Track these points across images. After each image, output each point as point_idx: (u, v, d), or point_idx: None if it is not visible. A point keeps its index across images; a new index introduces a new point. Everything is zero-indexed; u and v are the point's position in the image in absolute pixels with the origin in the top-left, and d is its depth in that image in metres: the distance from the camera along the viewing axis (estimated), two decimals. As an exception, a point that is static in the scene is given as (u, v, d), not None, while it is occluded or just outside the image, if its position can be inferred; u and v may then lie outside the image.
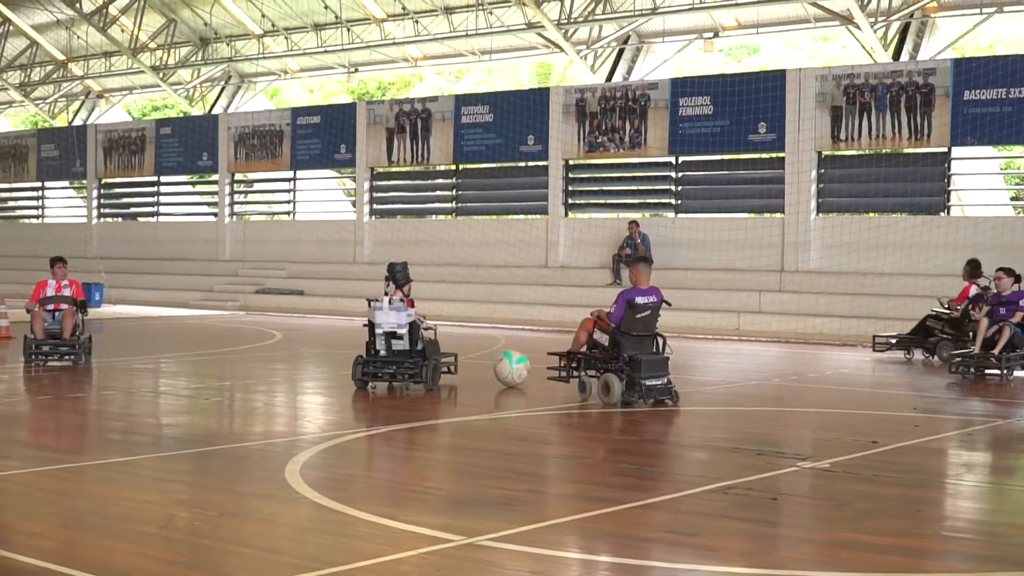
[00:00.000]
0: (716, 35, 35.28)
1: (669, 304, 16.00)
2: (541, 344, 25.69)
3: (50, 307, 20.00)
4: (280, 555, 8.00)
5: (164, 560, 7.84)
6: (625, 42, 36.07)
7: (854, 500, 9.81)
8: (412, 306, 17.34)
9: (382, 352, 17.12)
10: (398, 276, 17.48)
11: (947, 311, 22.08)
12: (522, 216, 35.50)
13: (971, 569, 7.96)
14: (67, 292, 20.10)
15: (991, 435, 13.61)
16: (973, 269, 22.11)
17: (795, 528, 9.13)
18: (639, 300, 15.65)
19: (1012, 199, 34.19)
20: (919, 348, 22.29)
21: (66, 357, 19.50)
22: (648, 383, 15.28)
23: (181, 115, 47.12)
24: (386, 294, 17.25)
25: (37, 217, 50.01)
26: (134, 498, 9.66)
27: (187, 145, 42.80)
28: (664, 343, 15.79)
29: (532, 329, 29.69)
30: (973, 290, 21.44)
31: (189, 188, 46.21)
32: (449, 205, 37.29)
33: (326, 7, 39.84)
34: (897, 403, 16.22)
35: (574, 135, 33.67)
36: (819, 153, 30.01)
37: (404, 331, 17.05)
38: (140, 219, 46.24)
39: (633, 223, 31.62)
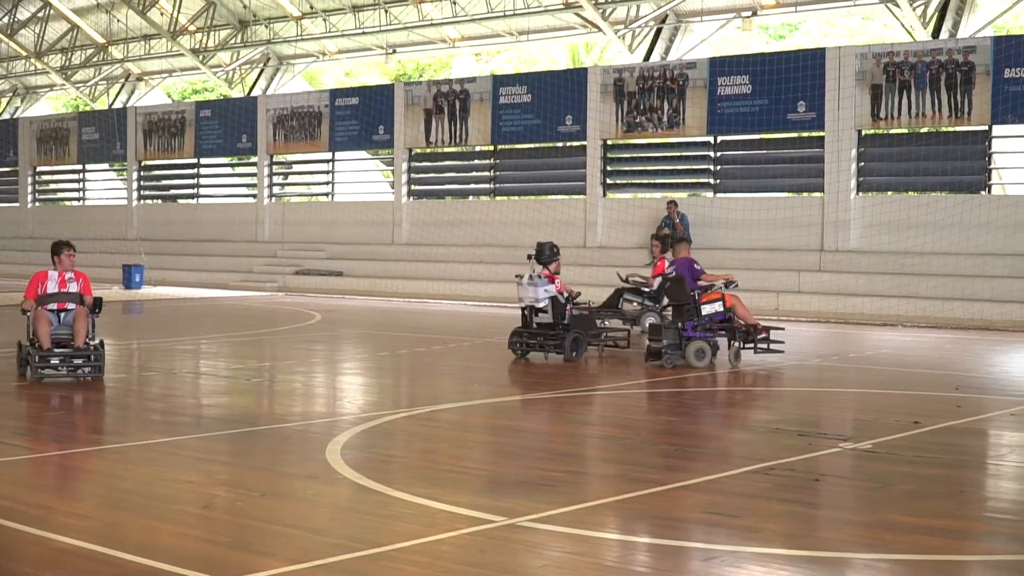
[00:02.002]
0: (755, 14, 35.08)
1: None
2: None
3: (53, 307, 15.92)
4: (321, 535, 8.02)
5: (206, 540, 7.89)
6: (663, 21, 35.92)
7: (897, 481, 9.77)
8: (554, 282, 18.69)
9: (532, 324, 18.77)
10: (543, 255, 18.84)
11: (638, 285, 22.47)
12: (560, 196, 35.41)
13: (1015, 551, 7.92)
14: (73, 288, 16.09)
15: (1034, 415, 13.53)
16: (663, 244, 21.97)
17: (837, 509, 9.10)
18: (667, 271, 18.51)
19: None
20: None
21: (81, 371, 15.57)
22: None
23: (220, 97, 47.19)
24: (531, 272, 18.74)
25: (78, 200, 50.23)
26: (176, 479, 9.71)
27: (226, 127, 42.88)
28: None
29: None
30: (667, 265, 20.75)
31: (228, 170, 46.29)
32: (487, 186, 37.23)
33: (364, -12, 39.87)
34: (939, 383, 16.13)
35: (612, 115, 33.57)
36: (859, 132, 29.82)
37: (542, 305, 18.61)
38: (180, 201, 46.38)
39: (672, 203, 31.51)
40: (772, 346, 18.25)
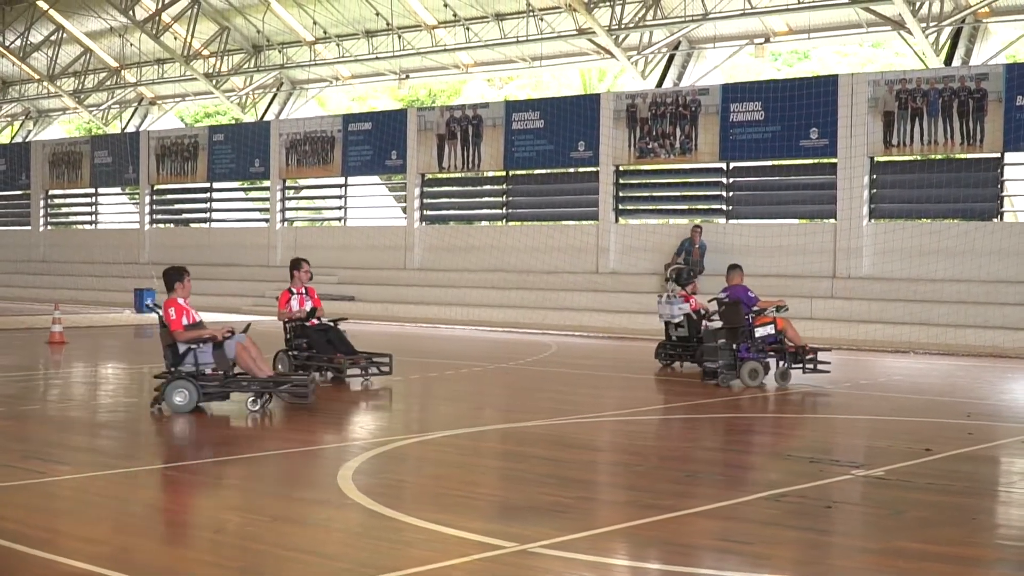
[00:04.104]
0: (767, 40, 35.17)
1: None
2: (591, 351, 25.71)
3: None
4: (332, 560, 8.03)
5: (217, 565, 7.89)
6: (676, 48, 36.02)
7: (908, 508, 9.76)
8: (688, 301, 21.49)
9: (673, 338, 21.68)
10: (681, 277, 21.93)
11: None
12: (573, 222, 35.44)
13: (1027, 578, 7.92)
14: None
15: (1046, 443, 13.50)
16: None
17: (849, 536, 9.09)
18: (719, 296, 19.56)
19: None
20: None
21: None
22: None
23: (233, 122, 47.34)
24: (668, 292, 21.89)
25: (91, 223, 50.31)
26: (188, 503, 9.71)
27: (239, 151, 42.98)
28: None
29: (583, 335, 29.67)
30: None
31: (241, 194, 46.38)
32: (500, 211, 37.27)
33: (377, 14, 39.99)
34: (951, 410, 16.11)
35: (625, 141, 33.61)
36: (871, 159, 29.82)
37: (676, 320, 21.43)
38: (192, 225, 46.46)
39: (697, 227, 31.56)
40: (820, 367, 19.13)
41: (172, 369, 15.22)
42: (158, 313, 15.74)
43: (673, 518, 9.25)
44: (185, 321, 15.51)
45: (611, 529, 8.94)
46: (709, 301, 20.34)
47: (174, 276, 16.10)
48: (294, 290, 19.05)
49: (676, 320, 21.40)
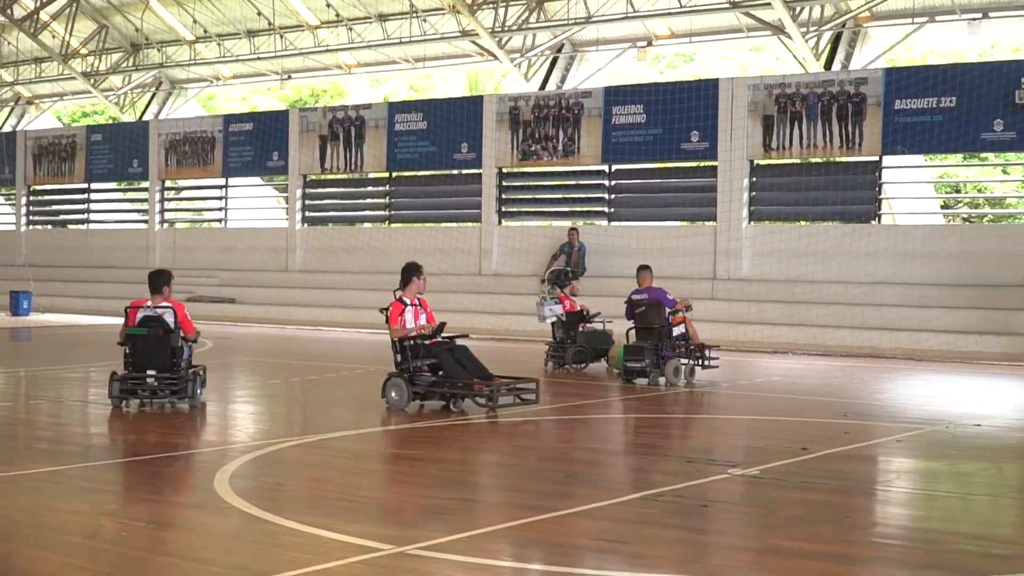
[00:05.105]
0: (649, 44, 35.38)
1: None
2: (474, 352, 25.68)
3: None
4: (208, 565, 7.94)
5: (92, 571, 7.79)
6: (559, 50, 36.13)
7: (784, 507, 9.86)
8: (564, 302, 22.00)
9: (558, 339, 21.97)
10: (559, 279, 22.89)
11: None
12: (455, 224, 35.44)
13: (901, 575, 8.01)
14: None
15: (920, 442, 13.68)
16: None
17: (725, 535, 9.16)
18: (635, 297, 19.93)
19: (942, 207, 34.51)
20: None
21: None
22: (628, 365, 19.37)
23: (111, 121, 46.77)
24: (544, 294, 22.85)
25: (-35, 224, 49.48)
26: (63, 508, 9.56)
27: (118, 152, 42.47)
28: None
29: (466, 338, 29.60)
30: None
31: (120, 195, 45.82)
32: (382, 213, 37.16)
33: (259, 13, 39.70)
34: (828, 410, 16.30)
35: (507, 143, 33.67)
36: (751, 162, 30.13)
37: (550, 321, 21.98)
38: (70, 226, 45.80)
39: (574, 230, 31.69)
40: (710, 362, 19.99)
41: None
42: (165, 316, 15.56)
43: (552, 518, 9.26)
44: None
45: (490, 530, 8.93)
46: (625, 302, 20.43)
47: (411, 271, 16.69)
48: (408, 301, 16.23)
49: (549, 321, 21.88)
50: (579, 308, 22.09)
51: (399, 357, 15.86)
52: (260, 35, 40.68)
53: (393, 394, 15.52)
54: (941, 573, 7.94)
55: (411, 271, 16.61)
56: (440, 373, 15.79)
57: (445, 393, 15.54)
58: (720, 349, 21.39)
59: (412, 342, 15.81)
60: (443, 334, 16.10)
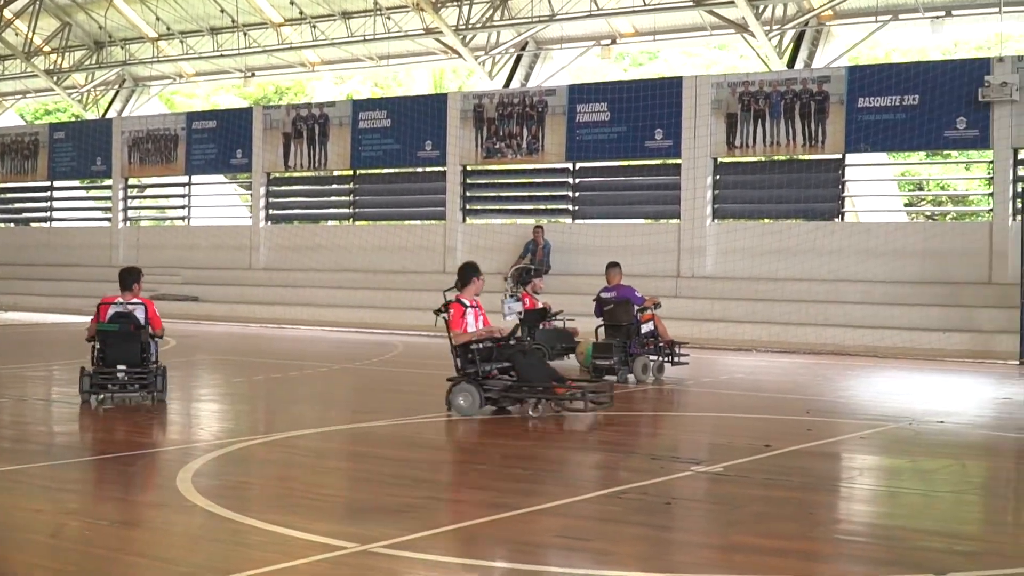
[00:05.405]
0: (614, 42, 35.46)
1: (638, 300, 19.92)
2: (438, 350, 25.70)
3: None
4: (171, 564, 7.92)
5: (55, 570, 7.75)
6: (523, 48, 36.16)
7: (747, 504, 9.88)
8: (525, 299, 21.39)
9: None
10: (521, 277, 23.02)
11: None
12: (420, 222, 35.41)
13: (864, 572, 8.04)
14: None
15: (883, 439, 13.74)
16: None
17: (689, 532, 9.17)
18: (603, 295, 20.14)
19: (905, 205, 34.64)
20: None
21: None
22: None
23: (75, 119, 46.53)
24: (507, 292, 22.85)
25: (-74, 222, 49.15)
26: (26, 507, 9.52)
27: (81, 150, 42.27)
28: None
29: (430, 335, 29.62)
30: None
31: (83, 193, 45.61)
32: (347, 211, 37.09)
33: (222, 11, 39.59)
34: (791, 407, 16.35)
35: (472, 141, 33.65)
36: (715, 160, 30.20)
37: (510, 319, 20.52)
38: (33, 224, 45.54)
39: (539, 228, 31.70)
40: (681, 359, 20.24)
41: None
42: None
43: (515, 516, 9.25)
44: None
45: (454, 528, 8.93)
46: (593, 300, 20.56)
47: (472, 272, 16.27)
48: (467, 302, 15.78)
49: (509, 319, 20.96)
50: (541, 306, 21.91)
51: (460, 361, 15.31)
52: (223, 32, 40.57)
53: (462, 401, 14.83)
54: (904, 570, 7.96)
55: (471, 271, 16.17)
56: (512, 376, 15.20)
57: (523, 397, 14.96)
58: (688, 346, 21.39)
59: (481, 345, 15.28)
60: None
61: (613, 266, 20.66)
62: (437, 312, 15.64)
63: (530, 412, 14.83)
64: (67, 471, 11.33)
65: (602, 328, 20.13)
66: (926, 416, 15.32)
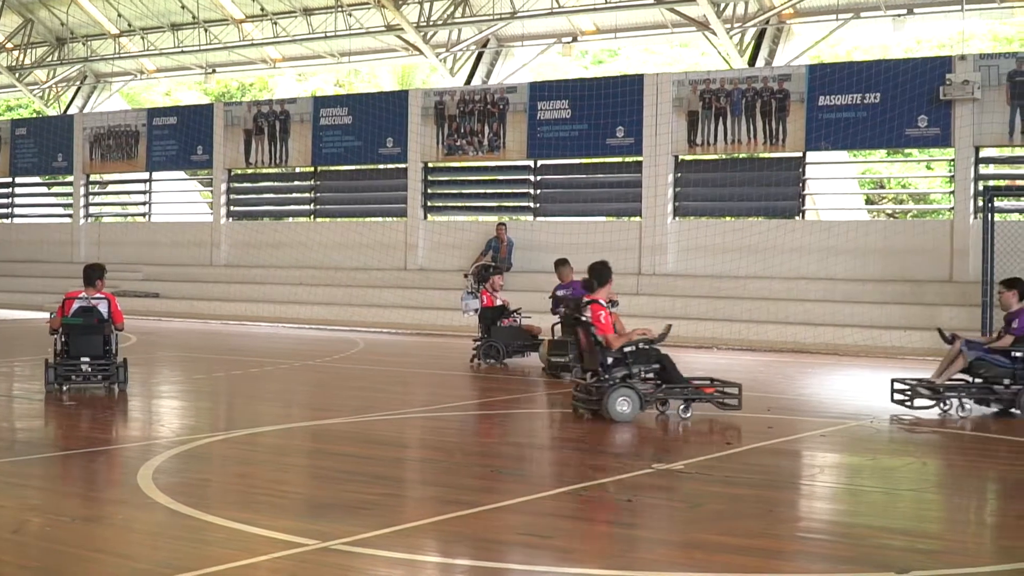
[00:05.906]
0: (575, 39, 35.49)
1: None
2: (399, 347, 25.71)
3: None
4: (131, 561, 7.92)
5: (16, 565, 7.74)
6: (484, 45, 36.15)
7: (708, 501, 9.92)
8: (484, 295, 21.86)
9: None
10: (480, 275, 22.38)
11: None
12: (381, 219, 35.36)
13: (825, 570, 8.07)
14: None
15: (844, 436, 13.80)
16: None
17: (650, 529, 9.20)
18: (559, 293, 20.23)
19: (866, 203, 34.77)
20: None
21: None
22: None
23: (36, 115, 46.30)
24: (466, 289, 22.48)
25: None
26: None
27: (42, 146, 42.03)
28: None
29: (391, 332, 29.63)
30: None
31: (44, 189, 45.38)
32: (307, 207, 36.99)
33: (183, 7, 39.46)
34: (751, 405, 16.37)
35: (433, 138, 33.62)
36: (676, 157, 30.23)
37: (468, 315, 22.34)
38: (-7, 220, 45.36)
39: (502, 225, 31.70)
40: None
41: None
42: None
43: (476, 513, 9.27)
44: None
45: (414, 525, 8.93)
46: (548, 297, 20.55)
47: (609, 271, 15.64)
48: (605, 303, 15.41)
49: (467, 315, 22.34)
50: (499, 303, 21.93)
51: (609, 361, 14.74)
52: (185, 29, 40.43)
53: (625, 407, 14.21)
54: (865, 567, 8.00)
55: (608, 271, 15.68)
56: (650, 377, 14.86)
57: (673, 398, 14.67)
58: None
59: (635, 347, 14.90)
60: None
61: (563, 263, 20.71)
62: (576, 316, 15.17)
63: (681, 414, 14.50)
64: (29, 467, 11.29)
65: (558, 325, 20.03)
66: (887, 414, 15.37)
